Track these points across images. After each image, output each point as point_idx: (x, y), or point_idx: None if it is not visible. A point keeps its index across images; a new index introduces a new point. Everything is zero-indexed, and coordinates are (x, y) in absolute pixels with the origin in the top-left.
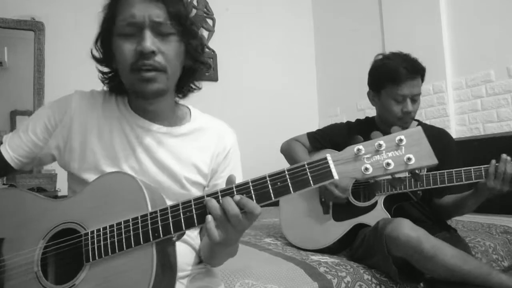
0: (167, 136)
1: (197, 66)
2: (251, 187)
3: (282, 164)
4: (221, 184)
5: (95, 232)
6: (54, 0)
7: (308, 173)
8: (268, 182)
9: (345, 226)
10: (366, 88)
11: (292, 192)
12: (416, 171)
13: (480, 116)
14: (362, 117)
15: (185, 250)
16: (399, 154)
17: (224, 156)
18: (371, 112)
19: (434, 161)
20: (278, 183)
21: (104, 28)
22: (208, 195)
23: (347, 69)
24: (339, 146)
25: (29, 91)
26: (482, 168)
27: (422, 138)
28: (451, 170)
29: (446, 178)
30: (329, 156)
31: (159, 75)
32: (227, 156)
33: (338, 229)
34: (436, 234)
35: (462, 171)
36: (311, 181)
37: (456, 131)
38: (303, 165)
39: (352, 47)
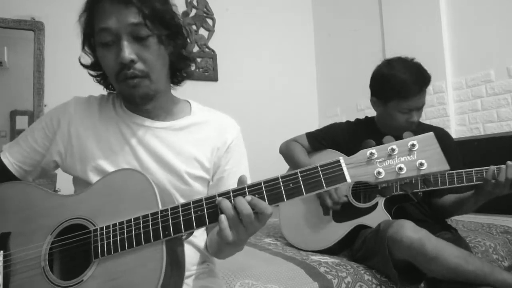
0: (165, 130)
1: (182, 64)
2: (264, 188)
3: (282, 164)
4: (226, 178)
5: (104, 229)
6: (54, 0)
7: (321, 176)
8: (281, 183)
9: (346, 227)
10: (366, 88)
11: (304, 194)
12: (427, 177)
13: (480, 116)
14: (362, 117)
15: (190, 250)
16: (411, 159)
17: (225, 150)
18: (371, 112)
19: (445, 167)
20: (291, 185)
21: (86, 34)
22: (220, 195)
23: (347, 69)
24: (339, 146)
25: (29, 91)
26: (484, 170)
27: (434, 143)
28: (452, 171)
29: (447, 180)
30: (342, 159)
31: (142, 81)
32: (229, 150)
33: (338, 230)
34: (437, 234)
35: (463, 172)
36: (323, 184)
37: (456, 131)
38: (316, 167)
39: (352, 47)
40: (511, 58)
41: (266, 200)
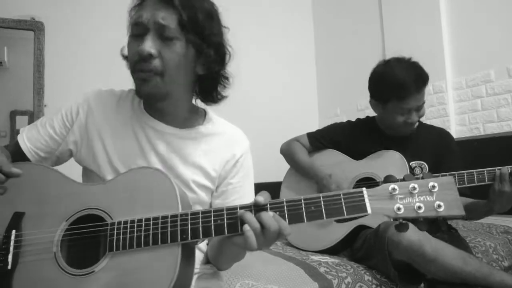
0: (176, 137)
1: (212, 75)
2: (285, 206)
3: (282, 164)
4: (229, 191)
5: (122, 223)
6: (54, 0)
7: (343, 203)
8: (303, 204)
9: (346, 227)
10: (366, 88)
11: (324, 218)
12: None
13: (480, 116)
14: (362, 117)
15: None
16: (430, 200)
17: (233, 164)
18: (372, 112)
19: (462, 212)
20: (312, 207)
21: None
22: (241, 207)
23: (347, 69)
24: (339, 145)
25: (29, 91)
26: (485, 171)
27: (453, 188)
28: (454, 172)
29: None
30: (365, 190)
31: (153, 78)
32: (237, 164)
33: (339, 231)
34: (437, 234)
35: (465, 174)
36: (344, 211)
37: (456, 131)
38: (339, 194)
39: (352, 47)
40: (511, 58)
41: (287, 219)
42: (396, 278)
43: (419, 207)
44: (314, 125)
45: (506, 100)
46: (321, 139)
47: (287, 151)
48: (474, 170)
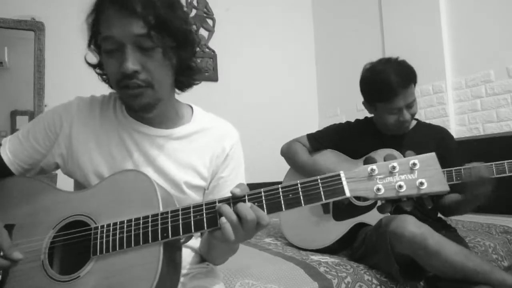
0: (165, 139)
1: (187, 75)
2: (263, 197)
3: (282, 164)
4: (221, 185)
5: (105, 227)
6: (54, 0)
7: (321, 188)
8: (280, 193)
9: (346, 225)
10: None
11: (303, 205)
12: (425, 196)
13: (480, 116)
14: (362, 117)
15: (186, 250)
16: (412, 177)
17: (223, 158)
18: None
19: (445, 188)
20: (290, 195)
21: (92, 34)
22: (220, 201)
23: (347, 69)
24: (338, 146)
25: (29, 91)
26: (462, 169)
27: (435, 164)
28: (451, 169)
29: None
30: (343, 173)
31: (145, 91)
32: (227, 158)
33: (338, 229)
34: (442, 232)
35: (462, 170)
36: (322, 196)
37: (456, 131)
38: (316, 180)
39: (352, 47)
40: (511, 58)
41: (265, 209)
42: (397, 273)
43: (400, 186)
44: (314, 125)
45: (505, 100)
46: (320, 140)
47: (288, 152)
48: (453, 169)
